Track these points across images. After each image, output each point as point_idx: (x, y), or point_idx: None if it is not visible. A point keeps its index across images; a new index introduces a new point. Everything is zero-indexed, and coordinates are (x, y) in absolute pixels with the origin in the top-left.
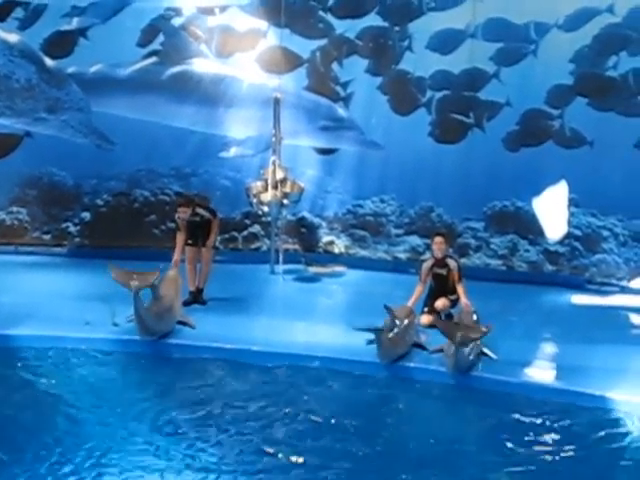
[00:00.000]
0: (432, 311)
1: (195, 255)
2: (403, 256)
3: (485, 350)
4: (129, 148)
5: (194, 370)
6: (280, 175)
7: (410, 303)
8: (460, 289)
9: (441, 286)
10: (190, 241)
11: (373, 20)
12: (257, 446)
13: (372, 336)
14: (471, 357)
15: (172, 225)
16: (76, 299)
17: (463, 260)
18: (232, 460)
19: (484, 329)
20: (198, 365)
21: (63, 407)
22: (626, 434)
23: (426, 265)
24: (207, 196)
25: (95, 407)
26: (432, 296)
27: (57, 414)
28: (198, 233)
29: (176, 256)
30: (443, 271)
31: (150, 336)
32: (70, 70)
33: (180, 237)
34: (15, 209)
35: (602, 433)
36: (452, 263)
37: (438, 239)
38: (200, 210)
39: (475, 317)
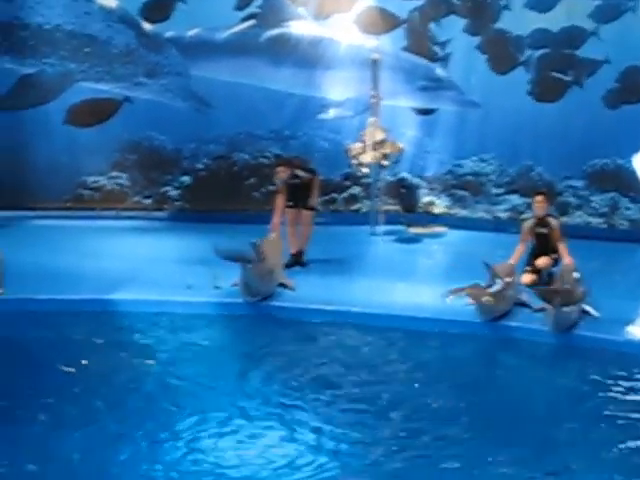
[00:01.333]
0: (534, 270)
1: (295, 217)
2: (504, 215)
3: (587, 308)
4: (228, 112)
5: (296, 332)
6: (379, 136)
7: (511, 262)
8: (561, 248)
9: (543, 245)
10: (290, 203)
11: None
12: (361, 408)
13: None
14: (573, 315)
15: (272, 188)
16: (177, 263)
17: (564, 219)
18: (335, 422)
19: (580, 293)
20: (299, 327)
21: (166, 371)
22: None
23: (527, 224)
24: (306, 158)
25: (198, 370)
26: (534, 255)
27: (160, 378)
28: (298, 195)
29: (276, 219)
30: (544, 230)
31: (253, 298)
32: (168, 34)
33: (280, 199)
34: (115, 174)
35: None
36: (553, 222)
37: (539, 198)
38: (299, 172)
39: (576, 275)
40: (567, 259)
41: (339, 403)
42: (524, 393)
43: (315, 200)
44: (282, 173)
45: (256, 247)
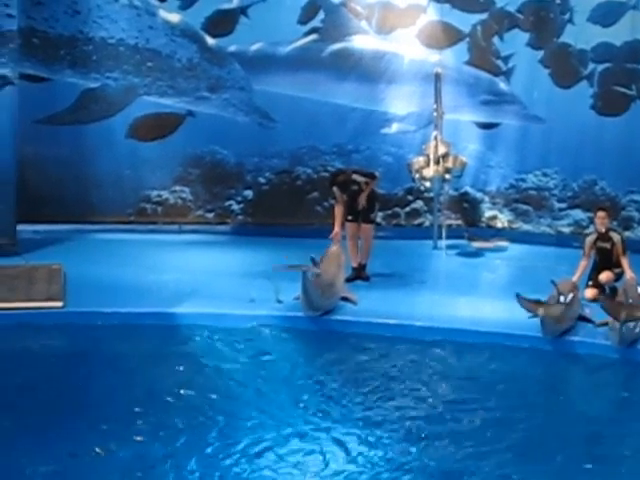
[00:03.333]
0: (596, 285)
1: (356, 231)
2: (567, 230)
3: None
4: (290, 126)
5: (357, 346)
6: (442, 150)
7: (575, 278)
8: (624, 262)
9: (605, 260)
10: (350, 217)
11: None
12: (424, 425)
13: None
14: (637, 330)
15: (334, 202)
16: (240, 277)
17: (627, 233)
18: (397, 438)
19: None
20: (362, 341)
21: (228, 384)
22: None
23: (589, 239)
24: (369, 170)
25: (259, 383)
26: (596, 270)
27: (222, 391)
28: (358, 207)
29: (336, 228)
30: (607, 245)
31: (314, 312)
32: (231, 49)
33: (339, 209)
34: (178, 188)
35: None
36: (616, 236)
37: (601, 214)
38: (357, 177)
39: (639, 289)
40: (630, 274)
41: (404, 419)
42: (589, 410)
43: (375, 212)
44: (344, 184)
45: (315, 263)
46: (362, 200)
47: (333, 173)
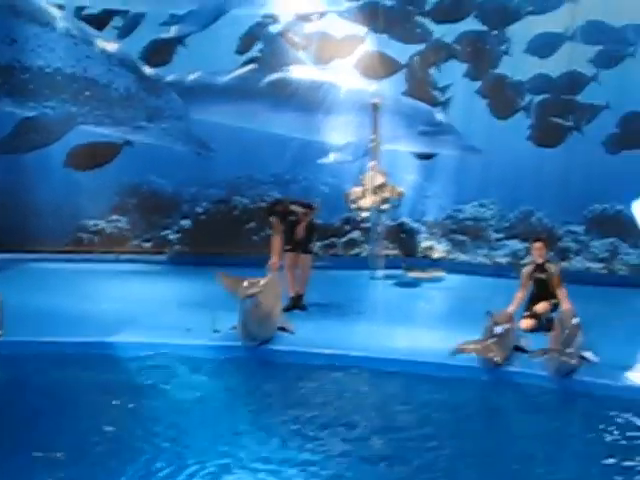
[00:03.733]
0: (533, 315)
1: (294, 261)
2: (503, 260)
3: (586, 354)
4: (228, 155)
5: (295, 376)
6: (379, 180)
7: (511, 309)
8: (561, 293)
9: (542, 290)
10: (288, 247)
11: (471, 24)
12: (361, 455)
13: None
14: (573, 361)
15: (271, 232)
16: (177, 306)
17: (564, 264)
18: (333, 468)
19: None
20: (299, 371)
21: (165, 415)
22: None
23: (526, 270)
24: (307, 201)
25: (195, 412)
26: (533, 300)
27: (159, 422)
28: (296, 237)
29: (274, 258)
30: (543, 275)
31: (252, 342)
32: (169, 78)
33: (276, 239)
34: (115, 217)
35: None
36: (552, 267)
37: (538, 245)
38: (295, 207)
39: (576, 321)
40: (566, 304)
41: (337, 447)
42: (523, 439)
43: (313, 243)
44: (280, 214)
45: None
46: (300, 231)
47: (271, 203)
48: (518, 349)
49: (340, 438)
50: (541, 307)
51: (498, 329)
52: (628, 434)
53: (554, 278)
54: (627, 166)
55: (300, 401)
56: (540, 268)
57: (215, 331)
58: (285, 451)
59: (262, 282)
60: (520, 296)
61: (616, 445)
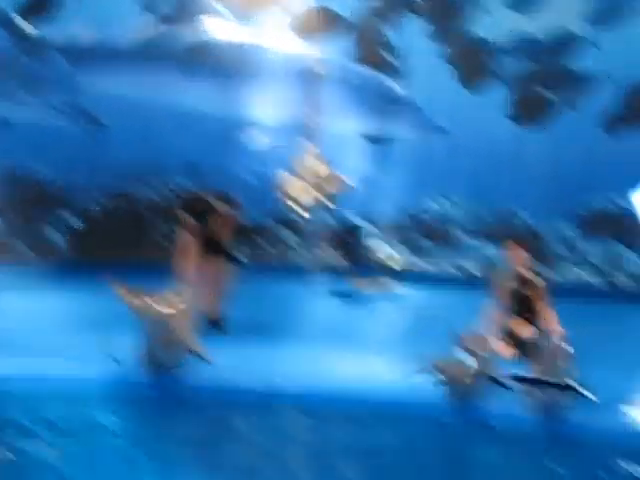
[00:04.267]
0: (512, 340)
1: (213, 270)
2: (475, 270)
3: (579, 389)
4: (130, 137)
5: (211, 415)
6: (320, 170)
7: (484, 330)
8: (547, 312)
9: (522, 308)
10: (206, 253)
11: None
12: None
13: (437, 372)
14: (562, 399)
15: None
16: (63, 327)
17: (551, 274)
18: None
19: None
20: (216, 407)
21: (40, 459)
22: None
23: (503, 282)
24: (227, 195)
25: (84, 460)
26: (512, 320)
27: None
28: (214, 240)
29: (187, 267)
30: (525, 289)
31: (157, 370)
32: (55, 39)
33: (190, 244)
34: None
35: None
36: (536, 279)
37: (518, 249)
38: (216, 203)
39: (568, 350)
40: (555, 328)
41: None
42: None
43: (236, 248)
44: (196, 210)
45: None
46: (223, 233)
47: (186, 197)
48: (494, 381)
49: None
50: (526, 331)
51: (469, 356)
52: None
53: (538, 292)
54: (632, 151)
55: (215, 443)
56: (521, 279)
57: (114, 360)
58: None
59: (172, 297)
60: (497, 315)
61: None
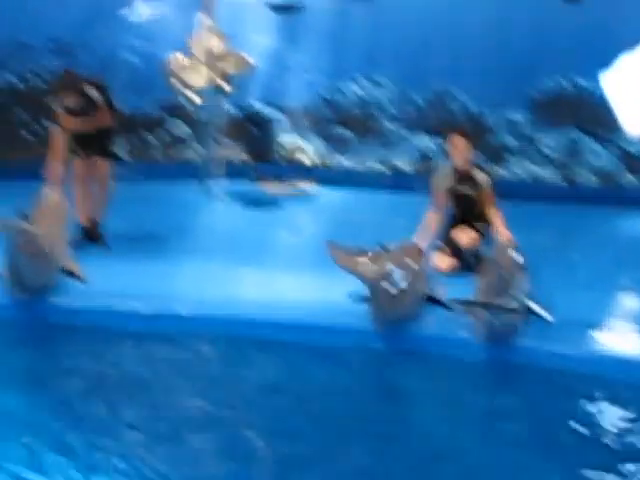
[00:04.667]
0: (453, 249)
1: (86, 170)
2: (406, 166)
3: (533, 306)
4: None
5: (87, 345)
6: (216, 45)
7: (419, 239)
8: (494, 215)
9: (465, 211)
10: (77, 148)
11: None
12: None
13: (358, 288)
14: (511, 317)
15: (51, 125)
16: None
17: (498, 170)
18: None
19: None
20: (92, 337)
21: None
22: None
23: (442, 180)
24: (102, 80)
25: None
26: (452, 226)
27: None
28: (88, 134)
29: (55, 168)
30: (468, 189)
31: (22, 293)
32: None
33: (59, 139)
34: None
35: None
36: (481, 176)
37: (458, 140)
38: (90, 91)
39: (517, 258)
40: (503, 233)
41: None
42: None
43: (114, 143)
44: (68, 97)
45: (26, 218)
46: (99, 122)
47: (54, 81)
48: (431, 301)
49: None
50: (466, 238)
51: (398, 272)
52: (584, 424)
53: (484, 192)
54: (595, 17)
55: (88, 382)
56: (463, 177)
57: None
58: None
59: (39, 205)
60: (433, 218)
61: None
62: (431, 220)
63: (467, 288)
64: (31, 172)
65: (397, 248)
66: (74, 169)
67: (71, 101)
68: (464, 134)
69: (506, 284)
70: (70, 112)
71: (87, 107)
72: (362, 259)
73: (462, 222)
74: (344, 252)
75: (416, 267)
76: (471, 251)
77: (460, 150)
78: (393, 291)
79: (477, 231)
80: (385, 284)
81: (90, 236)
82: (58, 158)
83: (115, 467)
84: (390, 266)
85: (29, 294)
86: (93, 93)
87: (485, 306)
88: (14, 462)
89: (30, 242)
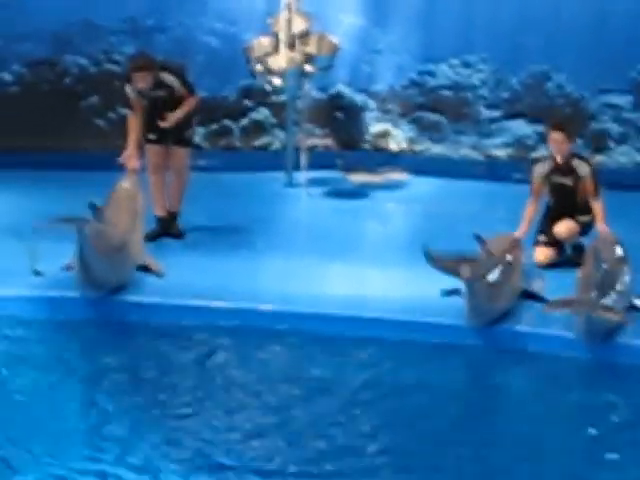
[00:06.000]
0: (551, 241)
1: (163, 159)
2: (502, 153)
3: (637, 302)
4: None
5: (165, 344)
6: (300, 26)
7: (518, 232)
8: (596, 206)
9: (565, 202)
10: (152, 135)
11: None
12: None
13: (453, 284)
14: (614, 315)
15: (125, 111)
16: None
17: (600, 158)
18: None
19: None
20: (171, 336)
21: None
22: None
23: (540, 170)
24: (182, 63)
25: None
26: (551, 217)
27: None
28: (166, 121)
29: (130, 149)
30: (567, 180)
31: (96, 291)
32: None
33: (135, 123)
34: None
35: None
36: (582, 167)
37: (556, 135)
38: (166, 76)
39: (620, 252)
40: (603, 225)
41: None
42: (541, 444)
43: (193, 130)
44: (141, 80)
45: (98, 211)
46: (176, 115)
47: (132, 65)
48: (529, 296)
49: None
50: (565, 229)
51: (495, 269)
52: None
53: (585, 183)
54: None
55: (173, 380)
56: (562, 168)
57: (36, 273)
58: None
59: (113, 197)
60: (531, 209)
61: None
62: (529, 212)
63: (566, 281)
64: (104, 162)
65: (493, 241)
66: (148, 158)
67: (147, 85)
68: (562, 129)
69: (608, 279)
70: (144, 96)
71: (162, 92)
72: (461, 263)
73: (562, 213)
74: (442, 258)
75: (513, 261)
76: (571, 242)
77: (559, 145)
78: (491, 288)
79: (577, 222)
80: (483, 283)
81: (167, 229)
82: (133, 143)
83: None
84: (488, 265)
85: (102, 291)
86: (168, 78)
87: (587, 305)
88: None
89: (101, 240)
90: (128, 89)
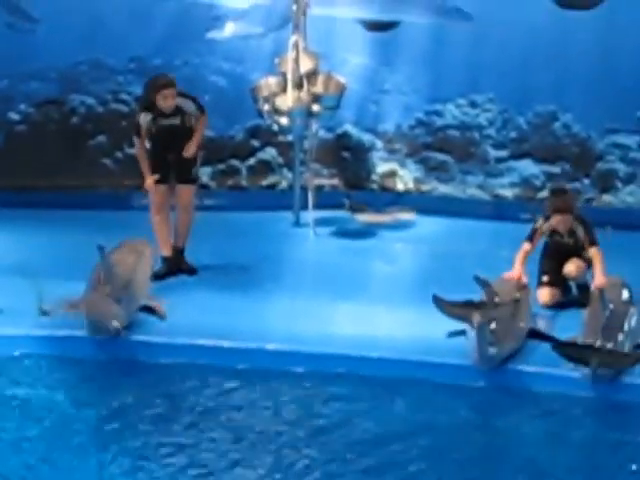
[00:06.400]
0: (555, 280)
1: (167, 198)
2: (509, 193)
3: None
4: (61, 28)
5: (169, 385)
6: (307, 66)
7: (514, 273)
8: (596, 256)
9: (564, 256)
10: (158, 174)
11: None
12: None
13: (459, 325)
14: (623, 358)
15: (131, 150)
16: None
17: (607, 197)
18: None
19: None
20: (177, 374)
21: None
22: None
23: (544, 228)
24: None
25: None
26: (552, 258)
27: None
28: (172, 155)
29: (149, 179)
30: (568, 240)
31: (104, 332)
32: None
33: (144, 151)
34: None
35: None
36: (580, 230)
37: (562, 217)
38: (183, 102)
39: (626, 294)
40: (602, 278)
41: None
42: None
43: (197, 167)
44: (169, 98)
45: (106, 257)
46: (190, 148)
47: (153, 83)
48: (534, 335)
49: None
50: (574, 267)
51: (502, 311)
52: None
53: (584, 241)
54: None
55: (174, 425)
56: (563, 233)
57: (42, 313)
58: None
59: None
60: (526, 254)
61: None
62: (525, 254)
63: (572, 321)
64: (111, 201)
65: (498, 283)
66: (152, 197)
67: (170, 104)
68: (567, 211)
69: (615, 321)
70: (157, 125)
71: (176, 120)
72: (470, 309)
73: (565, 257)
74: (450, 304)
75: (521, 302)
76: (576, 280)
77: (564, 223)
78: (500, 331)
79: (584, 259)
80: (491, 327)
81: (177, 265)
82: (149, 171)
83: None
84: (495, 308)
85: (111, 332)
86: (185, 103)
87: (594, 350)
88: None
89: (110, 276)
90: (142, 118)
